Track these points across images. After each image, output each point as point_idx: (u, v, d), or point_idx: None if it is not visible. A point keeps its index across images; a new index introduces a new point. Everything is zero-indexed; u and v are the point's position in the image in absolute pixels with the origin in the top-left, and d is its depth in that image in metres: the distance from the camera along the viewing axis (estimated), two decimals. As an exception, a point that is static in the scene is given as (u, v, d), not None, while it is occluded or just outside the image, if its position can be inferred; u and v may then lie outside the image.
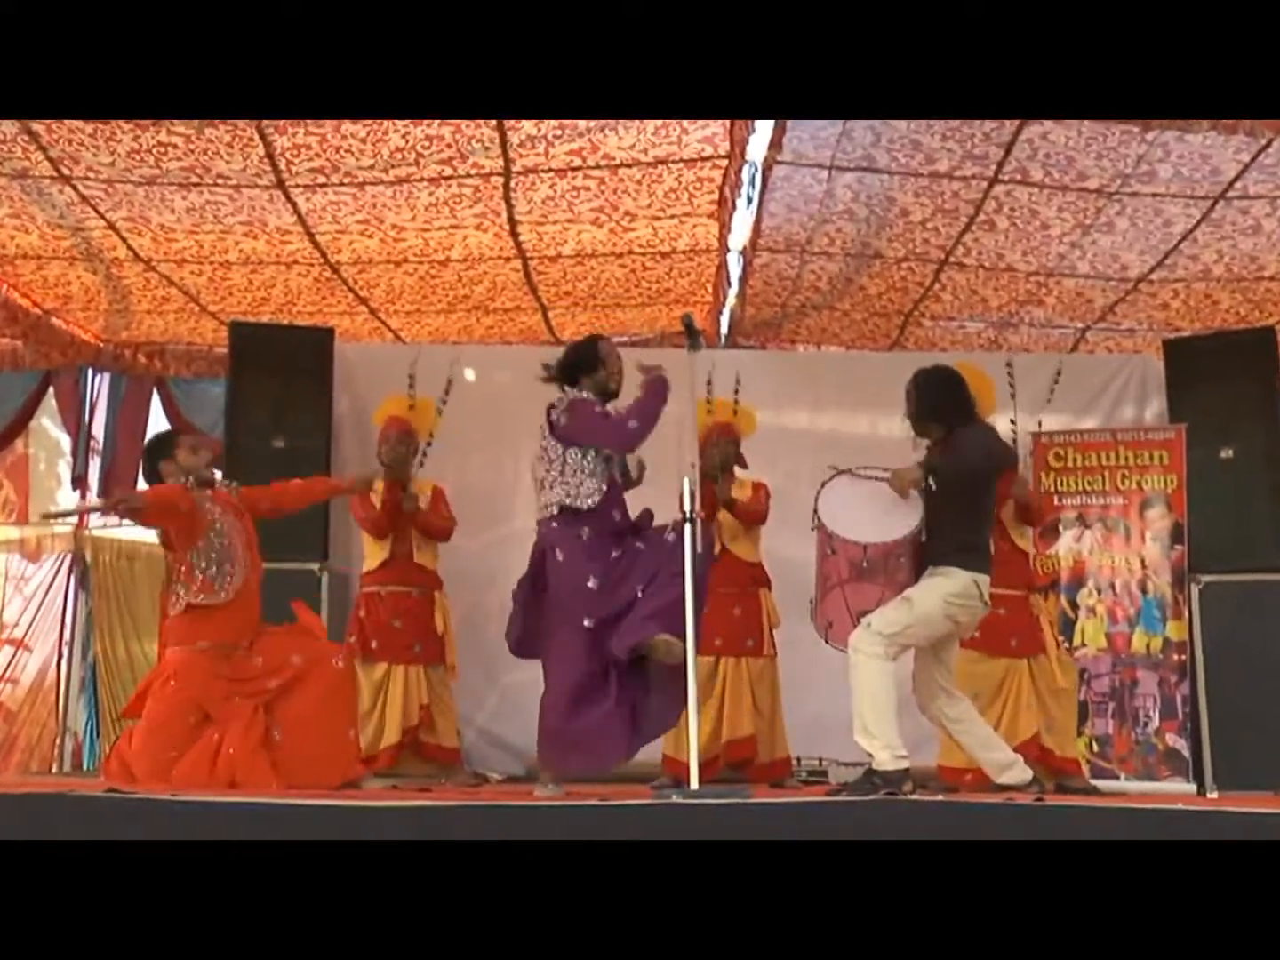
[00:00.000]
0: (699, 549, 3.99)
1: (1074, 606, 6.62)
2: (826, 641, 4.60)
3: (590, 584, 4.53)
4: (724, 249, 6.53)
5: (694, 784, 3.77)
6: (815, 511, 4.48)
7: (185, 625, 4.92)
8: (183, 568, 4.95)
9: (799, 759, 6.26)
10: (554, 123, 5.11)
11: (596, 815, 3.21)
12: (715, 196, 5.85)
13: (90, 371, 8.03)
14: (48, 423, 9.87)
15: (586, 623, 4.48)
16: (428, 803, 3.61)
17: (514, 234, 6.25)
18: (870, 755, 4.28)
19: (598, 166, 5.55)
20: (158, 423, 8.21)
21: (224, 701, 4.84)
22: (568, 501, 4.58)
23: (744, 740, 5.77)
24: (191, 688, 4.83)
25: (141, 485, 5.37)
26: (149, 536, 8.03)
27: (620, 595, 4.49)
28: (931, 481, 4.39)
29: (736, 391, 6.33)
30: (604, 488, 4.61)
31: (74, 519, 8.05)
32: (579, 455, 4.61)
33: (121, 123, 5.02)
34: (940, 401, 4.61)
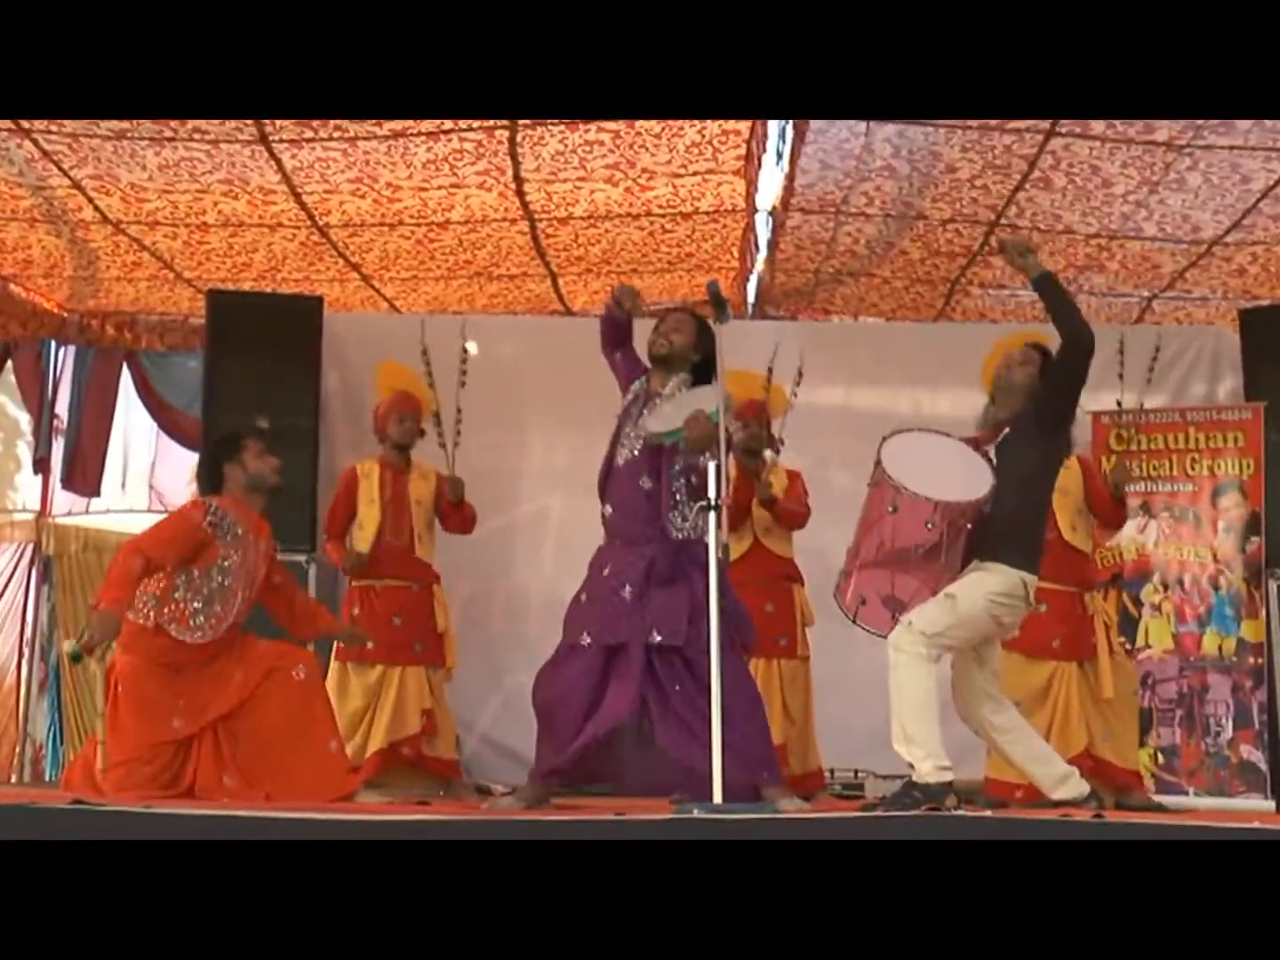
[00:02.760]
0: (725, 539, 4.00)
1: (1137, 604, 6.63)
2: (854, 621, 4.53)
3: (583, 597, 4.78)
4: (751, 209, 6.54)
5: (717, 797, 3.79)
6: (878, 463, 4.40)
7: (146, 640, 4.94)
8: (163, 583, 4.96)
9: (832, 771, 6.31)
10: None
11: (610, 831, 3.23)
12: (742, 151, 5.86)
13: (53, 344, 8.09)
14: (6, 400, 9.96)
15: (585, 640, 4.68)
16: (426, 816, 3.65)
17: (520, 193, 6.27)
18: (910, 765, 4.30)
19: (612, 118, 5.57)
20: (127, 400, 8.27)
21: (167, 720, 4.89)
22: None
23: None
24: (147, 696, 4.90)
25: (191, 489, 5.44)
26: (117, 526, 8.11)
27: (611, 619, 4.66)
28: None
29: (771, 368, 6.27)
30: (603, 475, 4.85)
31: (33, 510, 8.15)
32: None
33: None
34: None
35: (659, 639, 4.59)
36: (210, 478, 5.17)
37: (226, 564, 4.97)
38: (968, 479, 4.41)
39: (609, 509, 4.80)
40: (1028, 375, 4.64)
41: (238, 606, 4.98)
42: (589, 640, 4.66)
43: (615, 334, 4.96)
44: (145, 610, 4.92)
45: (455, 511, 6.18)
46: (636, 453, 4.77)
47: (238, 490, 5.10)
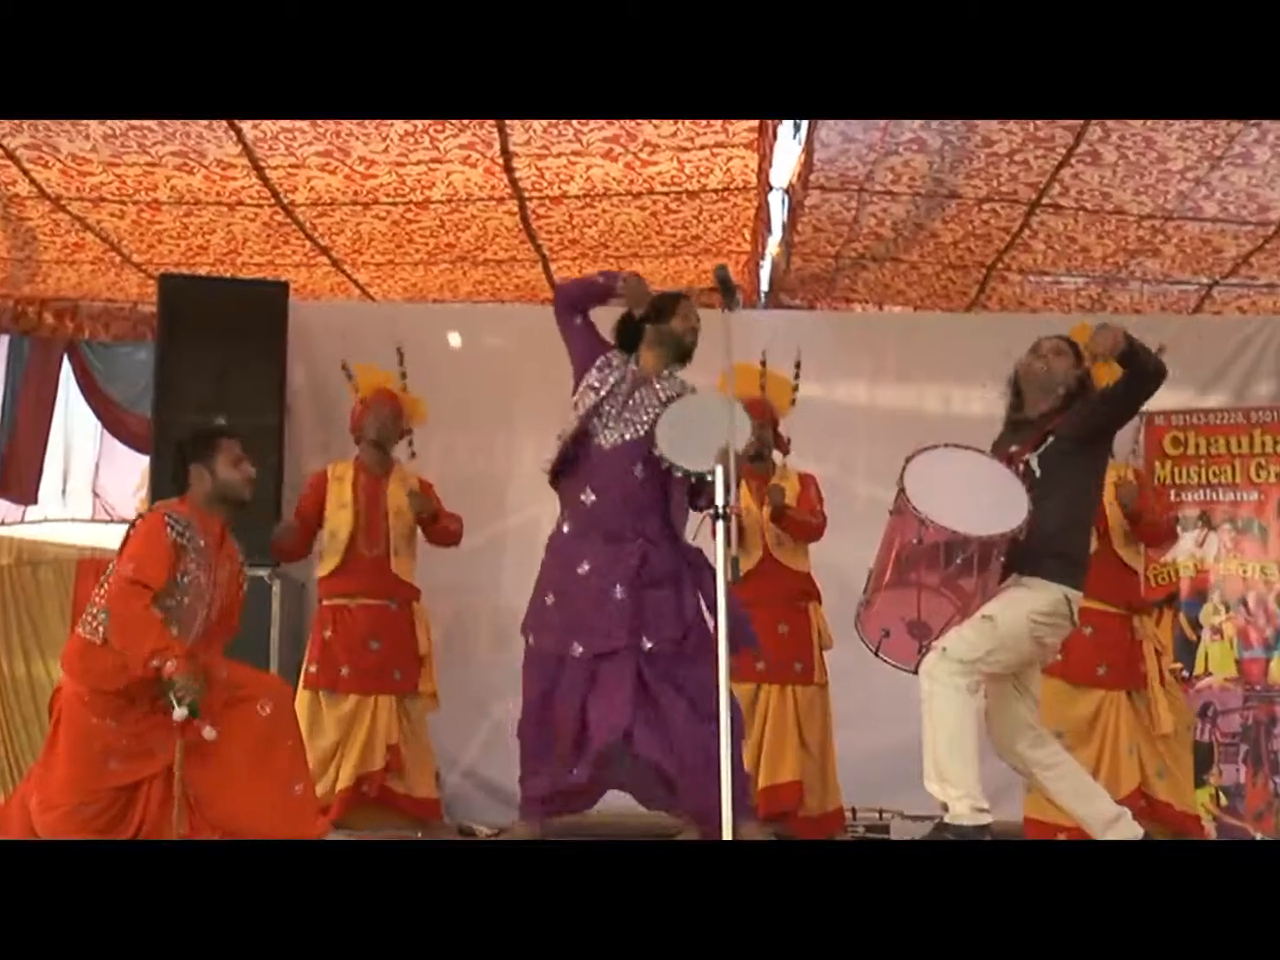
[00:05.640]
0: (734, 551, 4.00)
1: (1195, 626, 6.63)
2: (876, 654, 4.55)
3: (548, 599, 4.88)
4: (765, 187, 6.56)
5: (726, 831, 3.80)
6: (902, 490, 4.43)
7: (93, 660, 4.87)
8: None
9: (854, 810, 6.31)
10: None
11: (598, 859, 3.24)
12: (755, 123, 5.88)
13: (-15, 334, 8.13)
14: (-66, 396, 9.96)
15: (576, 651, 4.77)
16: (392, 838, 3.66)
17: (509, 169, 6.29)
18: (944, 806, 4.32)
19: (611, 84, 5.59)
20: (68, 396, 8.30)
21: (102, 762, 4.89)
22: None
23: (787, 786, 5.81)
24: (88, 730, 4.89)
25: (140, 495, 5.35)
26: (57, 537, 8.12)
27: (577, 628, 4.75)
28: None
29: (763, 361, 6.28)
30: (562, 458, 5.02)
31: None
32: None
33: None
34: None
35: (650, 645, 4.63)
36: (173, 477, 5.05)
37: (186, 580, 4.91)
38: (1001, 506, 4.42)
39: (589, 496, 4.82)
40: (1062, 371, 4.65)
41: (196, 629, 4.94)
42: (581, 650, 4.69)
43: (588, 303, 5.07)
44: (95, 625, 4.90)
45: (431, 524, 6.21)
46: (628, 437, 4.81)
47: (200, 498, 4.97)
